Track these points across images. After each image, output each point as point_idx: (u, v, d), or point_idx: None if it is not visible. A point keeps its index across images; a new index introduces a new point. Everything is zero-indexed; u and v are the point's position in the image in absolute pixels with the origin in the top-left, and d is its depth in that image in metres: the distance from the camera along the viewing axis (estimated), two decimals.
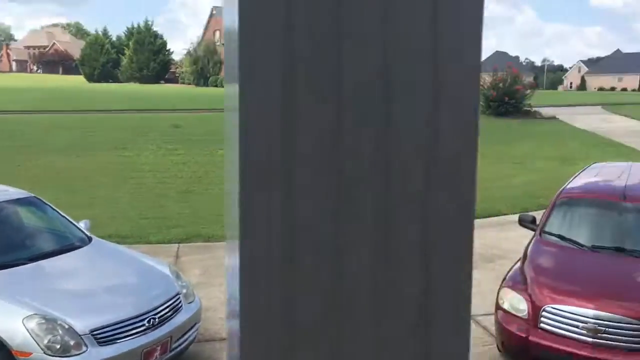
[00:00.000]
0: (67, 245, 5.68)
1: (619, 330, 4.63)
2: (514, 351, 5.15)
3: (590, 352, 4.63)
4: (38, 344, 4.25)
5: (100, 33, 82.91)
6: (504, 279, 5.50)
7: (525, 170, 15.99)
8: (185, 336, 5.14)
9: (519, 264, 5.62)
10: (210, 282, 7.31)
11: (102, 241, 6.18)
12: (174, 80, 75.60)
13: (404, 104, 0.48)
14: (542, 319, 4.87)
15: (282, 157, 0.47)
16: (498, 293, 5.36)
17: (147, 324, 4.74)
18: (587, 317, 4.71)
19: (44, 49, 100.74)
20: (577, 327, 4.73)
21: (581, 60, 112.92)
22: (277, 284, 0.48)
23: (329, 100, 0.47)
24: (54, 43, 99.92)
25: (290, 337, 0.48)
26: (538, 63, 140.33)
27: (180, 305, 5.20)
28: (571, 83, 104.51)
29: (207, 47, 70.87)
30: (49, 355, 4.25)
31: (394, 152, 0.48)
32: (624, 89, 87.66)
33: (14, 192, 6.16)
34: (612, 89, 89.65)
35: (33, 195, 6.19)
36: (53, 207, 6.17)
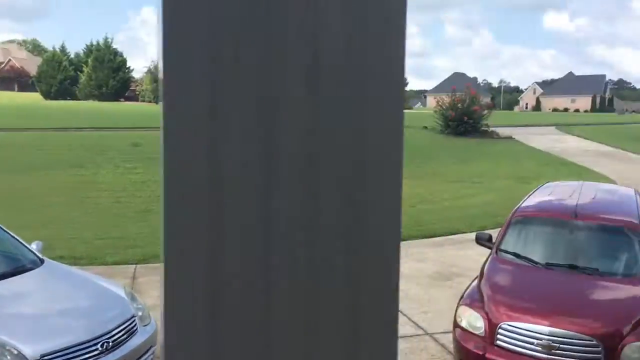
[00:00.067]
0: (17, 267, 5.49)
1: (572, 347, 4.72)
2: None
3: None
4: None
5: (58, 50, 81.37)
6: (462, 296, 5.56)
7: (484, 189, 16.29)
8: None
9: (476, 281, 5.70)
10: None
11: (55, 263, 6.00)
12: (134, 98, 74.67)
13: (333, 114, 0.48)
14: (499, 336, 4.94)
15: (208, 173, 0.46)
16: (456, 311, 5.41)
17: (100, 348, 4.61)
18: (542, 334, 4.79)
19: None
20: (532, 344, 4.80)
21: (536, 82, 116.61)
22: (202, 305, 0.47)
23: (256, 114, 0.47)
24: (10, 59, 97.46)
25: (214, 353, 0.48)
26: (495, 84, 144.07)
27: (135, 328, 5.07)
28: (527, 104, 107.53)
29: None
30: None
31: (323, 160, 0.48)
32: (577, 110, 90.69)
33: None
34: (566, 109, 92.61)
35: None
36: (3, 228, 5.97)
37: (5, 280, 5.22)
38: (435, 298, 7.55)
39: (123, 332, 4.90)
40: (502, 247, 6.01)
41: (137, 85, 77.90)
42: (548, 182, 8.13)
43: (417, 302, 7.34)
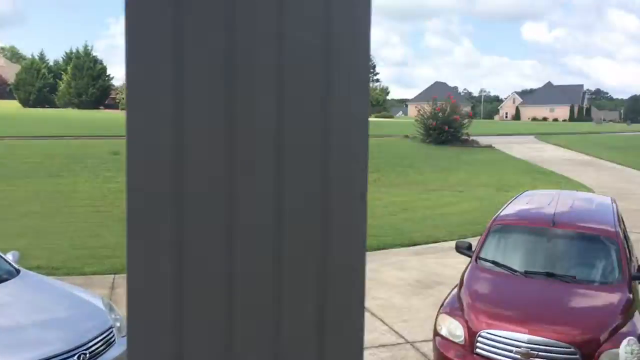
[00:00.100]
0: None
1: (551, 354, 4.76)
2: None
3: None
4: None
5: (36, 57, 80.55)
6: (442, 305, 5.59)
7: (464, 198, 16.41)
8: None
9: (456, 290, 5.73)
10: None
11: (31, 273, 5.90)
12: (114, 106, 74.00)
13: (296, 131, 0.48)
14: (478, 344, 4.96)
15: (172, 181, 0.46)
16: (436, 319, 5.43)
17: None
18: (521, 342, 4.82)
19: None
20: (511, 351, 4.83)
21: (515, 92, 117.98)
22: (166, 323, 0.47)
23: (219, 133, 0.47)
24: None
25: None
26: (476, 93, 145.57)
27: (113, 339, 5.01)
28: (507, 113, 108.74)
29: None
30: None
31: (288, 161, 0.48)
32: (555, 119, 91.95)
33: None
34: (544, 119, 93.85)
35: None
36: None
37: None
38: (416, 306, 7.57)
39: (101, 343, 4.84)
40: (482, 255, 6.06)
41: (117, 93, 77.27)
42: (527, 190, 8.22)
43: (398, 310, 7.36)
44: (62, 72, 72.13)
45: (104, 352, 4.81)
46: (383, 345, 6.36)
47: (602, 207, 6.84)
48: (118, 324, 5.19)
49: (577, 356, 4.69)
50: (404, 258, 9.94)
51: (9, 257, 5.80)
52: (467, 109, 41.89)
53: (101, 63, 73.34)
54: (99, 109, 68.09)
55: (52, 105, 69.82)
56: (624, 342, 4.69)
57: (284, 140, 0.48)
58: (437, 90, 59.30)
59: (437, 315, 5.46)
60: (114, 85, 77.97)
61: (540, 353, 4.76)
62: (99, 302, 5.44)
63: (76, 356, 4.54)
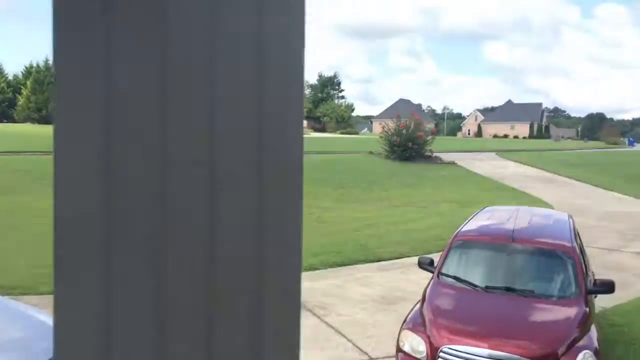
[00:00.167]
0: None
1: None
2: None
3: None
4: None
5: None
6: (405, 320, 5.61)
7: (428, 213, 16.58)
8: None
9: (418, 305, 5.76)
10: None
11: None
12: None
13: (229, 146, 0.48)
14: (440, 359, 4.99)
15: (102, 186, 0.46)
16: (399, 335, 5.44)
17: None
18: (482, 357, 4.87)
19: None
20: None
21: (477, 109, 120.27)
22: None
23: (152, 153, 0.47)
24: None
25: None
26: (439, 111, 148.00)
27: None
28: (469, 130, 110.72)
29: None
30: None
31: (218, 161, 0.48)
32: (516, 137, 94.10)
33: None
34: (505, 136, 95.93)
35: None
36: None
37: None
38: (380, 322, 7.58)
39: None
40: (443, 271, 6.12)
41: None
42: (487, 206, 8.36)
43: (362, 326, 7.35)
44: (22, 87, 70.58)
45: None
46: None
47: (560, 223, 7.00)
48: None
49: None
50: (369, 274, 9.96)
51: None
52: (430, 125, 42.57)
53: None
54: None
55: (11, 120, 68.16)
56: (580, 355, 4.79)
57: (213, 141, 0.47)
58: (402, 108, 60.08)
59: (400, 331, 5.48)
60: None
61: None
62: None
63: None
